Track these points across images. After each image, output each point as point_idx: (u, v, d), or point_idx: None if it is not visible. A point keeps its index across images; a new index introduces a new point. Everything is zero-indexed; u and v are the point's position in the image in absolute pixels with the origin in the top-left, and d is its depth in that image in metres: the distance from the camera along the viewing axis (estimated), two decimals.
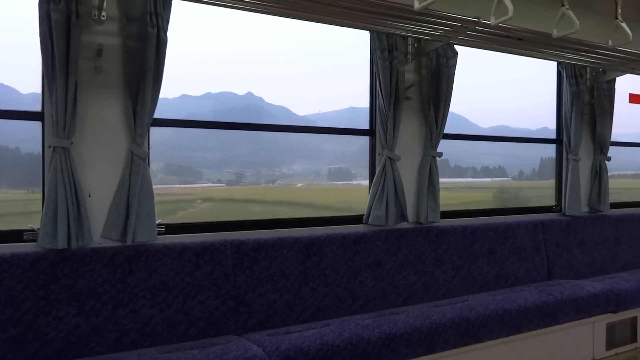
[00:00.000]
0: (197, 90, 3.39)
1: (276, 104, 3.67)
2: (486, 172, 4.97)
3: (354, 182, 4.03)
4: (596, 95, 4.63)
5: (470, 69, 3.86)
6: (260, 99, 3.59)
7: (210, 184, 3.63)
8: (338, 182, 4.12)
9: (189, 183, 3.57)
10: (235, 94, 3.56)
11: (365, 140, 3.72)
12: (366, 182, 3.70)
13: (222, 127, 3.37)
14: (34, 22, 2.48)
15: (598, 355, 3.73)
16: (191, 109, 3.39)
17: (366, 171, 3.71)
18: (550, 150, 4.80)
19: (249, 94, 3.55)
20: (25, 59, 2.71)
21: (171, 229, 2.95)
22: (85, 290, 2.55)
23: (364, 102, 3.73)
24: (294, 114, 3.73)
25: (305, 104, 3.75)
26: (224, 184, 3.66)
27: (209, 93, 3.47)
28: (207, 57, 3.32)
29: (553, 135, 4.74)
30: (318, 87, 3.78)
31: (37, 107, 2.68)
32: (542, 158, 5.08)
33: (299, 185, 3.92)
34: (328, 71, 3.81)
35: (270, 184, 3.82)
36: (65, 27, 2.47)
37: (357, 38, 3.63)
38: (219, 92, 3.51)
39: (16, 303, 2.41)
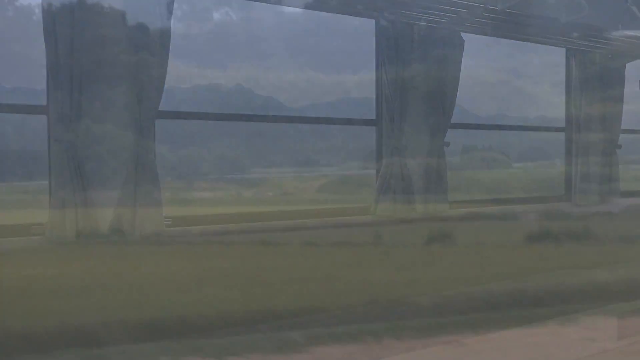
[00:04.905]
0: (186, 82, 3.41)
1: (265, 95, 3.65)
2: None
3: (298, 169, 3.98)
4: (606, 81, 4.55)
5: (469, 56, 3.79)
6: (250, 90, 3.56)
7: None
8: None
9: None
10: (224, 85, 3.54)
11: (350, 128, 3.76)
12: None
13: (227, 119, 3.34)
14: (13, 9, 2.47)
15: None
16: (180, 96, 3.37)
17: (336, 158, 3.72)
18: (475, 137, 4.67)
19: (239, 86, 3.54)
20: (6, 53, 2.71)
21: (177, 222, 2.93)
22: None
23: (360, 92, 3.70)
24: (283, 105, 3.70)
25: (296, 96, 3.72)
26: None
27: (198, 85, 3.46)
28: (198, 47, 3.28)
29: (551, 122, 4.68)
30: (311, 78, 3.75)
31: (20, 100, 2.70)
32: (463, 145, 4.59)
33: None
34: (322, 62, 3.77)
35: None
36: (69, 20, 2.46)
37: (354, 26, 3.59)
38: (208, 84, 3.49)
39: None
